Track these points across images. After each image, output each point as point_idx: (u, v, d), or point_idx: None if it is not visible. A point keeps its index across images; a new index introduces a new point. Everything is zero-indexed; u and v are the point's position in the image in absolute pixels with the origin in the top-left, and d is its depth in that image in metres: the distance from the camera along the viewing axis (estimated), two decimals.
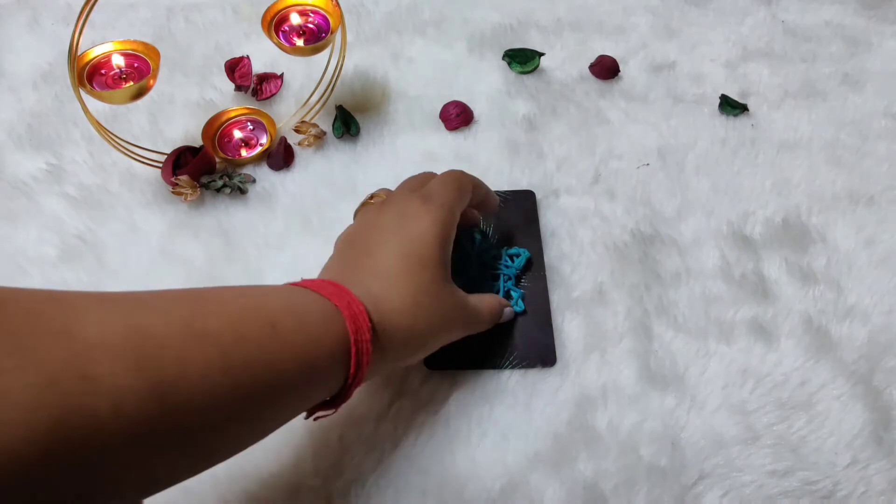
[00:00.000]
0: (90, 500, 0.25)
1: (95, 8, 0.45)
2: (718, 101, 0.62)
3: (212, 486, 0.42)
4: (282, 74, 0.64)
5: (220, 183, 0.55)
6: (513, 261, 0.51)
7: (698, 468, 0.43)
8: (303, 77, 0.64)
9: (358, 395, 0.46)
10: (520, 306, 0.49)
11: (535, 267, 0.52)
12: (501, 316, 0.47)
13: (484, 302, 0.45)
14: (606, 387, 0.46)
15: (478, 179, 0.47)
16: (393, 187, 0.56)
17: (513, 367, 0.47)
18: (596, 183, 0.57)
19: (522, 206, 0.55)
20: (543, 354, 0.47)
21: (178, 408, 0.26)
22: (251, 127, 0.60)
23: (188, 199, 0.54)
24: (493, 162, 0.58)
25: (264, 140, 0.59)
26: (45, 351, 0.23)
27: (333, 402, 0.36)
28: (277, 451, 0.44)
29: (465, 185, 0.44)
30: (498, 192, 0.55)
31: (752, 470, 0.43)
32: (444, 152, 0.59)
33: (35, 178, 0.56)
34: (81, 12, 0.45)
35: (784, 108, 0.62)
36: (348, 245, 0.42)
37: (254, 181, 0.57)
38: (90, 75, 0.51)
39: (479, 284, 0.50)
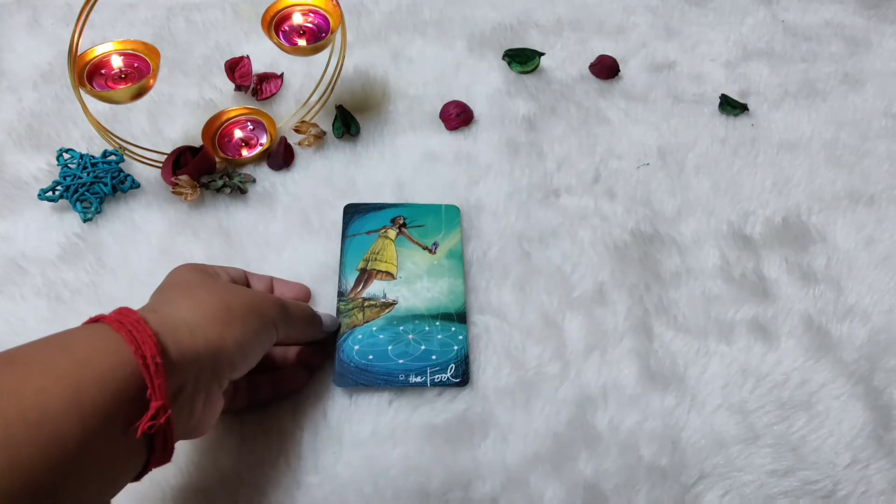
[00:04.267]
0: None
1: (95, 8, 0.45)
2: (718, 100, 0.62)
3: (219, 482, 0.42)
4: (282, 74, 0.64)
5: (220, 183, 0.55)
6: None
7: (698, 468, 0.43)
8: (303, 77, 0.64)
9: (358, 395, 0.46)
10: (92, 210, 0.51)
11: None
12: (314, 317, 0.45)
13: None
14: (606, 386, 0.46)
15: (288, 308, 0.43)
16: (393, 187, 0.57)
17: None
18: (596, 183, 0.57)
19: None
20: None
21: None
22: (251, 127, 0.60)
23: (188, 198, 0.54)
24: (493, 162, 0.58)
25: (264, 140, 0.59)
26: None
27: (157, 421, 0.31)
28: (278, 448, 0.44)
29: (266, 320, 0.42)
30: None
31: (752, 469, 0.43)
32: (444, 152, 0.59)
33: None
34: (81, 12, 0.45)
35: (784, 108, 0.62)
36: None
37: (254, 181, 0.57)
38: (90, 75, 0.51)
39: None
